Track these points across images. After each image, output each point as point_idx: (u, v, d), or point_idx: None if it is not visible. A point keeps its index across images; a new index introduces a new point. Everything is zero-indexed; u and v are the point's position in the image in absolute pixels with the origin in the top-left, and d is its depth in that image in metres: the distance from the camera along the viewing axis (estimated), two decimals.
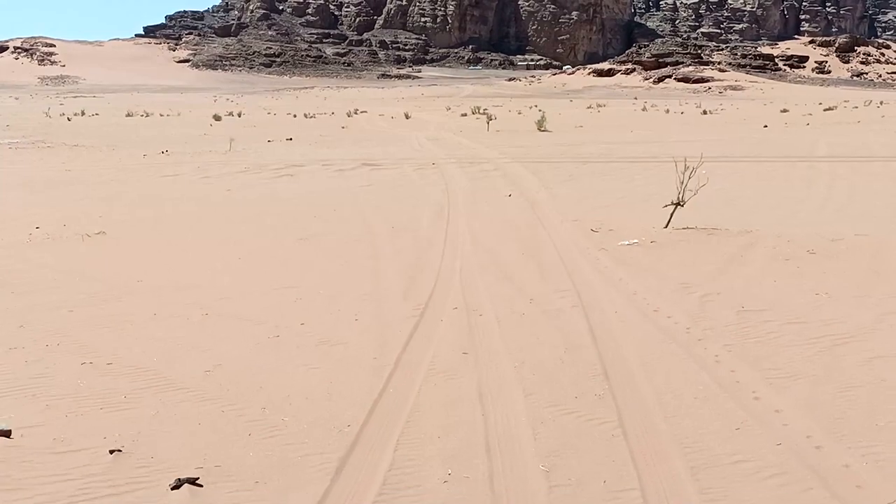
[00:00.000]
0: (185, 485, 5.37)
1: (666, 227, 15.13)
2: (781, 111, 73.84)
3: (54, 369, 7.91)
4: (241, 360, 8.20)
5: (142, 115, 69.62)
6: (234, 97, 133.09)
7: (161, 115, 70.29)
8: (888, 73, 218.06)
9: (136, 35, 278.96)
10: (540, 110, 69.47)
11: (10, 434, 6.12)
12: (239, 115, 69.05)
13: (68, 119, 63.18)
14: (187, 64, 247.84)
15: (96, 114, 72.62)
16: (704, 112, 74.28)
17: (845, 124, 52.52)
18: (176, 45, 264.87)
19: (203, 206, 19.70)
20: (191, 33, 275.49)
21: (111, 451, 5.86)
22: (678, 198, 15.64)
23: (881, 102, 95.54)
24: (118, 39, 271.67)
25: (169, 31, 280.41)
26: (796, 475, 5.55)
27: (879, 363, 7.71)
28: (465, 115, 67.64)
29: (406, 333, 9.05)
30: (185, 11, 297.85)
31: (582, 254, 13.20)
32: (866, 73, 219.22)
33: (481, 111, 68.78)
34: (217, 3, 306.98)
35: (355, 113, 72.21)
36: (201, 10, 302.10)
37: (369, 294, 10.92)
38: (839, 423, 6.40)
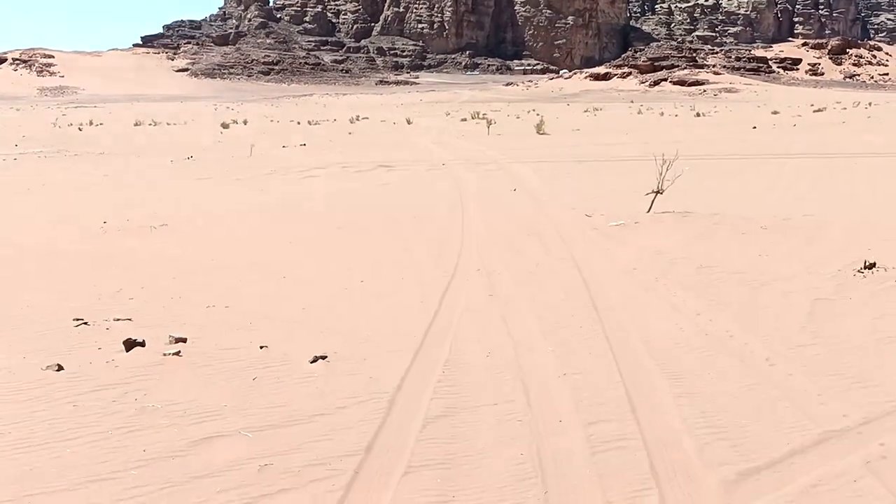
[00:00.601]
0: (319, 360, 8.23)
1: (648, 211, 17.94)
2: (772, 113, 76.57)
3: (187, 311, 10.71)
4: (322, 305, 11.04)
5: (150, 125, 70.33)
6: (234, 105, 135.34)
7: (168, 124, 71.18)
8: (880, 74, 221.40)
9: (134, 45, 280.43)
10: (538, 114, 71.88)
11: (186, 340, 8.93)
12: (245, 123, 70.87)
13: (79, 129, 64.04)
14: (186, 73, 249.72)
15: (101, 123, 73.39)
16: (698, 115, 76.64)
17: (830, 125, 55.34)
18: (174, 54, 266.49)
19: (242, 203, 22.28)
20: (189, 42, 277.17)
21: (261, 347, 8.71)
22: (658, 187, 18.45)
23: (869, 104, 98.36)
24: (116, 50, 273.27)
25: (167, 40, 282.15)
26: (713, 348, 8.58)
27: (792, 296, 10.67)
28: (465, 119, 69.82)
29: (442, 287, 11.88)
30: (182, 21, 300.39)
31: (577, 232, 16.04)
32: (858, 75, 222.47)
33: (481, 116, 70.44)
34: (214, 13, 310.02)
35: (357, 119, 74.19)
36: (199, 19, 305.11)
37: (406, 264, 13.73)
38: (750, 324, 9.40)
